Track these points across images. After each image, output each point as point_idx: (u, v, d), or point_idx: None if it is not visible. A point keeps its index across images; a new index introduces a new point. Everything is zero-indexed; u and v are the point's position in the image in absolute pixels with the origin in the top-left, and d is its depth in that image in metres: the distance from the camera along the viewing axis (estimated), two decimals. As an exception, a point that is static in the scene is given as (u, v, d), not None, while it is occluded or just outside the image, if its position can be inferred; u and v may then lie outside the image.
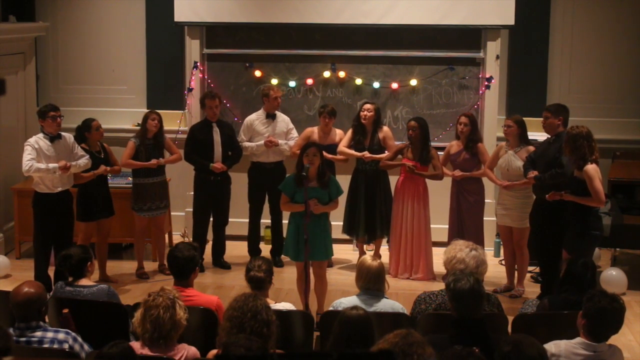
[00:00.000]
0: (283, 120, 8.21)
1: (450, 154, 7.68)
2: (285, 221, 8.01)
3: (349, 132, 7.98)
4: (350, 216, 7.94)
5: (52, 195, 7.01)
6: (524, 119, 7.41)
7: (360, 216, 7.88)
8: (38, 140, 6.98)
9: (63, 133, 7.13)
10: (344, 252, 8.31)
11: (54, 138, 7.02)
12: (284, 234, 8.14)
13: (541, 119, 7.10)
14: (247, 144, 8.09)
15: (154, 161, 7.66)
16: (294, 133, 8.20)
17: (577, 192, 6.33)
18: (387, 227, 7.90)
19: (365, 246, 8.09)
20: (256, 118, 8.16)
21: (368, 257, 5.22)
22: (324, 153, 6.98)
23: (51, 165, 6.91)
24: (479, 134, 7.69)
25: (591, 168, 6.21)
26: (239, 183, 8.24)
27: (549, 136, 7.03)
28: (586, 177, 6.21)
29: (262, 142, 8.00)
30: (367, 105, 7.87)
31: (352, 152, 7.88)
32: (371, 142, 7.86)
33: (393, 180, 7.97)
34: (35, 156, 6.89)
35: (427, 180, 7.77)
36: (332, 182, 6.58)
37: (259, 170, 8.12)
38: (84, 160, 7.18)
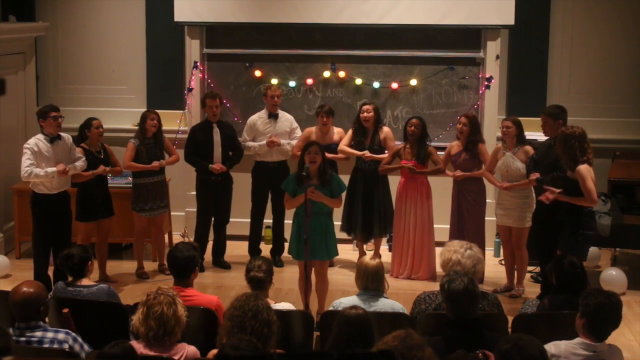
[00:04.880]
0: (286, 119, 8.21)
1: (451, 155, 7.68)
2: (287, 221, 8.05)
3: (350, 132, 7.98)
4: (348, 215, 7.94)
5: (50, 196, 7.01)
6: (524, 119, 7.43)
7: (357, 215, 7.88)
8: (37, 142, 6.96)
9: (62, 134, 7.12)
10: (345, 252, 8.29)
11: (53, 139, 7.01)
12: (285, 234, 8.19)
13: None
14: (250, 143, 8.09)
15: (155, 164, 7.65)
16: (298, 132, 8.20)
17: (570, 192, 6.33)
18: (385, 226, 7.91)
19: (365, 246, 8.09)
20: (258, 118, 8.17)
21: (367, 256, 5.24)
22: (325, 153, 6.99)
23: (50, 169, 6.89)
24: (480, 135, 7.67)
25: (583, 168, 6.20)
26: (241, 183, 8.24)
27: (550, 137, 7.03)
28: (578, 176, 6.21)
29: (264, 142, 8.00)
30: (366, 106, 7.87)
31: (353, 150, 7.88)
32: (372, 142, 7.87)
33: (392, 180, 7.98)
34: (34, 160, 6.87)
35: (429, 180, 7.77)
36: (334, 179, 6.58)
37: (263, 169, 8.13)
38: (80, 163, 7.18)
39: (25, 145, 6.99)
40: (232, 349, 3.52)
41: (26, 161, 6.86)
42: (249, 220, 8.28)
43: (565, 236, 6.39)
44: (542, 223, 6.91)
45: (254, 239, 8.31)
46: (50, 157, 6.96)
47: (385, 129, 8.02)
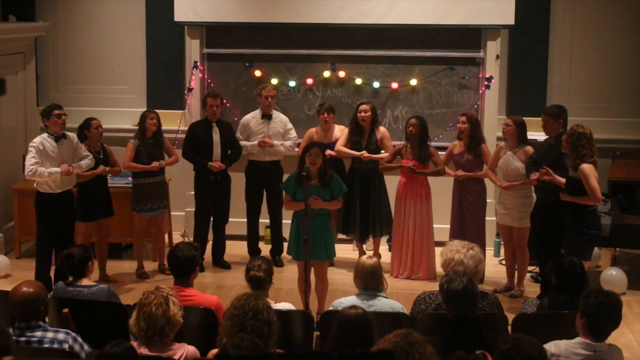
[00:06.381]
0: (280, 120, 8.20)
1: (453, 154, 7.68)
2: (284, 221, 8.05)
3: (346, 132, 7.98)
4: (346, 215, 7.94)
5: (55, 195, 7.00)
6: (525, 119, 7.41)
7: (355, 215, 7.88)
8: (43, 140, 6.95)
9: (67, 133, 7.12)
10: (344, 251, 8.30)
11: (58, 138, 7.01)
12: (284, 234, 8.18)
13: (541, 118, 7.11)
14: (242, 143, 8.09)
15: (155, 164, 7.65)
16: (293, 133, 8.20)
17: (573, 191, 6.33)
18: (382, 226, 7.91)
19: (365, 246, 8.09)
20: (252, 117, 8.17)
21: (365, 256, 5.27)
22: (328, 151, 7.01)
23: (53, 170, 6.88)
24: (481, 134, 7.66)
25: (586, 167, 6.21)
26: (238, 182, 8.24)
27: (550, 136, 7.03)
28: (582, 175, 6.21)
29: (256, 142, 8.00)
30: (364, 106, 7.86)
31: (350, 151, 7.88)
32: (368, 142, 7.86)
33: (389, 179, 7.98)
34: (39, 159, 6.86)
35: (429, 180, 7.77)
36: (335, 180, 6.58)
37: (256, 169, 8.13)
38: (87, 161, 7.17)
39: (31, 144, 6.98)
40: (234, 347, 3.52)
41: (31, 159, 6.86)
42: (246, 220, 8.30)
43: (570, 236, 6.39)
44: (541, 223, 6.91)
45: (252, 239, 8.31)
46: (55, 156, 6.96)
47: (382, 128, 8.01)
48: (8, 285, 6.38)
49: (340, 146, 7.92)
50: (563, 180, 6.45)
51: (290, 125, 8.23)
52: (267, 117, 8.12)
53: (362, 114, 7.81)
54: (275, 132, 8.10)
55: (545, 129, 7.01)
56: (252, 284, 5.01)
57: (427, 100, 8.77)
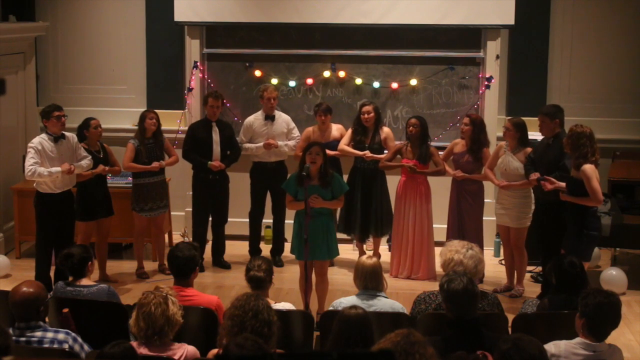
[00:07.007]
0: (283, 120, 8.20)
1: (454, 152, 7.67)
2: (287, 221, 8.05)
3: (349, 132, 7.98)
4: (347, 214, 7.94)
5: (54, 195, 7.01)
6: (524, 119, 7.41)
7: (356, 214, 7.88)
8: (42, 141, 6.96)
9: (66, 133, 7.13)
10: (345, 251, 8.27)
11: (57, 138, 7.01)
12: (285, 234, 8.19)
13: (541, 118, 7.11)
14: (247, 145, 8.09)
15: (155, 164, 7.65)
16: (295, 132, 8.20)
17: (574, 192, 6.33)
18: (382, 226, 7.91)
19: (365, 246, 8.09)
20: (255, 119, 8.17)
21: (364, 256, 5.27)
22: (328, 151, 7.00)
23: (54, 169, 6.89)
24: (484, 137, 7.63)
25: (588, 167, 6.21)
26: (240, 183, 8.24)
27: (547, 137, 7.03)
28: (583, 176, 6.21)
29: (261, 144, 8.00)
30: (367, 107, 7.85)
31: (353, 150, 7.88)
32: (372, 142, 7.86)
33: (391, 179, 7.98)
34: (38, 159, 6.86)
35: (429, 180, 7.77)
36: (336, 180, 6.58)
37: (261, 170, 8.13)
38: (87, 162, 7.19)
39: (30, 145, 6.99)
40: (237, 347, 3.52)
41: (30, 160, 6.86)
42: (248, 220, 8.28)
43: (570, 236, 6.39)
44: (543, 223, 6.91)
45: (254, 239, 8.31)
46: (54, 157, 6.96)
47: (386, 129, 8.01)
48: (8, 285, 6.37)
49: (343, 145, 7.93)
50: (564, 184, 6.44)
51: (293, 125, 8.23)
52: (270, 118, 8.12)
53: (366, 115, 7.81)
54: (279, 133, 8.11)
55: (542, 129, 6.99)
56: (252, 284, 5.02)
57: (427, 100, 8.77)
